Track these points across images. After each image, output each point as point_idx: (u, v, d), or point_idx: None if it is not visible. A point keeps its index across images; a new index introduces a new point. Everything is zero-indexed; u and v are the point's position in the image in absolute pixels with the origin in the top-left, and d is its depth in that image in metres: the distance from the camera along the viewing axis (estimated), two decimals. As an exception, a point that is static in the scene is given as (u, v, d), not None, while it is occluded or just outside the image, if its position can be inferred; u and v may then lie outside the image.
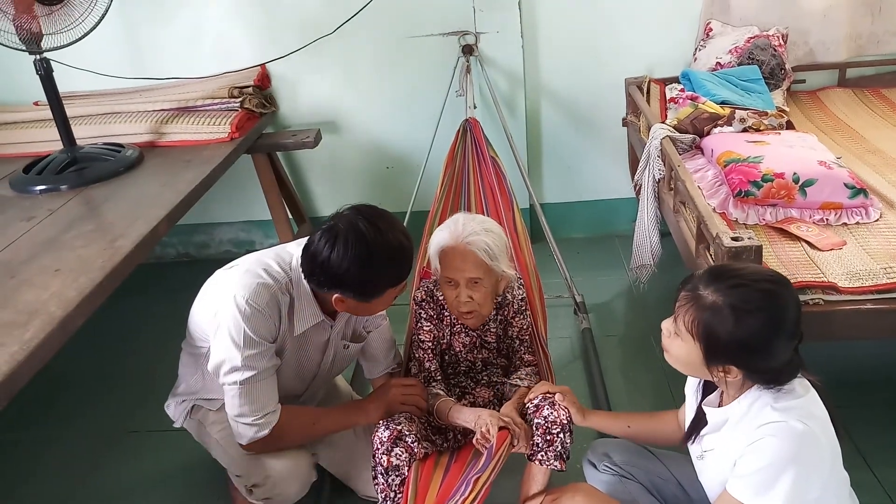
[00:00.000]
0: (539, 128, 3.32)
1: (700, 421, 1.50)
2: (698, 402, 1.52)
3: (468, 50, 3.06)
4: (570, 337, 2.74)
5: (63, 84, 2.61)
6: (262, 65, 3.17)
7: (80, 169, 2.58)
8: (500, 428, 1.66)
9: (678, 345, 1.37)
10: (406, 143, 3.31)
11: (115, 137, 2.88)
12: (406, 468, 1.68)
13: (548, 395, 1.74)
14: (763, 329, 1.27)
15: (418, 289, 2.00)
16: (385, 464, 1.68)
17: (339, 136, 3.34)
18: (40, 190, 2.50)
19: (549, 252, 2.93)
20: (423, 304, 1.96)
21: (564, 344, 2.71)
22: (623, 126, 3.17)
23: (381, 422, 1.76)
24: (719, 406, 1.44)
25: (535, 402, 1.73)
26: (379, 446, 1.70)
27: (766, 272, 1.38)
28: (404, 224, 2.87)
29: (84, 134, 2.88)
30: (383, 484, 1.69)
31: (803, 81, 3.08)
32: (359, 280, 1.59)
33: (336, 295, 1.64)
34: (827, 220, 2.03)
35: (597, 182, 3.42)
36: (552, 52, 3.16)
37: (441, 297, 1.95)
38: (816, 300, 1.70)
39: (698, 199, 1.98)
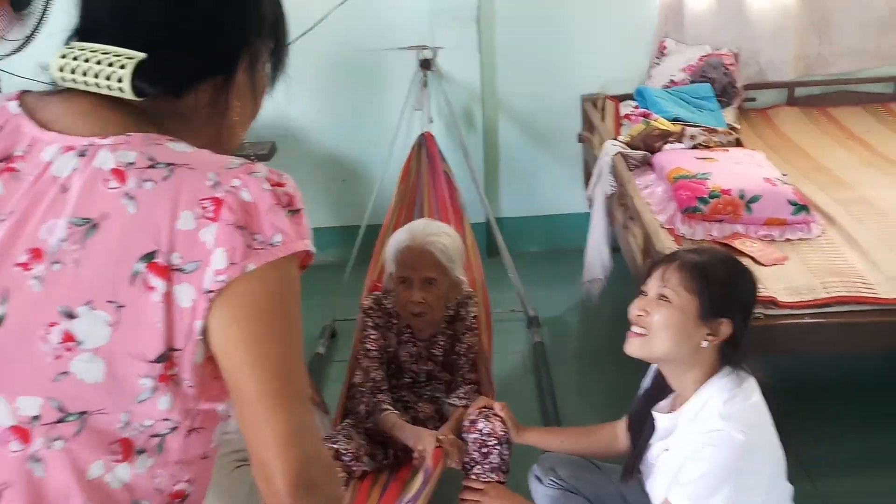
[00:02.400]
0: (496, 143, 3.34)
1: (649, 428, 1.50)
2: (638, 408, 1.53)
3: (426, 65, 3.06)
4: (523, 351, 2.74)
5: None
6: (218, 76, 3.14)
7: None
8: (436, 447, 1.65)
9: (664, 312, 1.34)
10: (363, 156, 3.30)
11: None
12: (343, 488, 1.65)
13: (484, 409, 1.73)
14: (747, 278, 1.38)
15: (366, 297, 1.98)
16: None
17: (294, 149, 3.31)
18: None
19: (505, 266, 2.93)
20: (371, 312, 1.95)
21: (517, 358, 2.70)
22: (579, 142, 3.20)
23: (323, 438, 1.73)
24: (670, 412, 1.45)
25: (472, 416, 1.73)
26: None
27: None
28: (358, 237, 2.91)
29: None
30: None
31: (754, 100, 3.14)
32: None
33: None
34: (771, 235, 2.06)
35: (553, 197, 3.43)
36: (510, 68, 3.18)
37: (390, 306, 1.95)
38: (757, 314, 1.72)
39: (646, 215, 2.00)
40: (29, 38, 2.47)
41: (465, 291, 2.00)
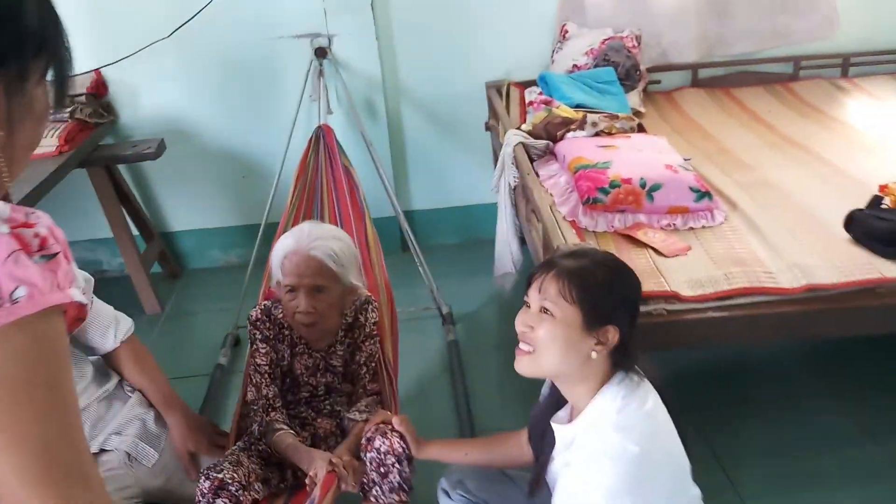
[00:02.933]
0: (402, 133, 3.22)
1: (549, 439, 1.43)
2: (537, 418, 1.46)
3: (321, 53, 2.91)
4: (438, 350, 2.66)
5: None
6: (96, 70, 2.91)
7: None
8: (329, 471, 1.54)
9: (547, 327, 1.25)
10: (260, 151, 3.14)
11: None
12: None
13: (381, 425, 1.63)
14: (629, 278, 1.30)
15: (254, 308, 1.84)
16: (209, 517, 1.52)
17: (188, 146, 3.12)
18: None
19: (417, 262, 2.82)
20: (259, 323, 1.81)
21: (432, 358, 2.62)
22: (486, 130, 3.11)
23: (202, 470, 1.60)
24: (569, 422, 1.37)
25: (368, 434, 1.62)
26: (200, 498, 1.54)
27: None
28: (258, 237, 2.76)
29: None
30: (209, 539, 1.53)
31: (659, 82, 3.12)
32: None
33: None
34: (674, 224, 2.01)
35: (464, 187, 3.34)
36: (410, 54, 3.05)
37: (280, 316, 1.81)
38: (659, 310, 1.67)
39: (544, 210, 1.93)
40: None
41: (364, 296, 1.89)
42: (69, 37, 0.76)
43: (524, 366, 1.30)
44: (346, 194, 2.40)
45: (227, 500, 1.55)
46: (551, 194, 2.20)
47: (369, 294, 1.91)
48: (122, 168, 3.05)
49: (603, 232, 2.02)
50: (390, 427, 1.62)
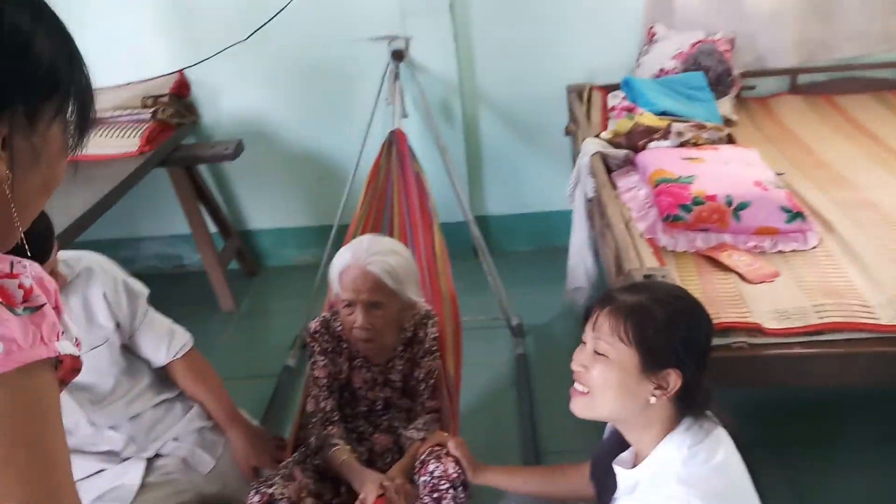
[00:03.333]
0: (478, 137, 3.14)
1: (612, 482, 1.33)
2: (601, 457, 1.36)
3: (398, 55, 2.87)
4: (505, 363, 2.57)
5: None
6: (179, 71, 2.96)
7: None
8: (380, 495, 1.49)
9: (601, 369, 1.17)
10: (336, 153, 3.13)
11: (18, 151, 2.67)
12: None
13: (436, 448, 1.57)
14: (696, 317, 1.17)
15: (313, 320, 1.82)
16: (256, 531, 1.50)
17: (267, 146, 3.14)
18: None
19: (486, 271, 2.75)
20: (318, 336, 1.78)
21: (498, 372, 2.54)
22: (566, 135, 3.00)
23: (253, 483, 1.58)
24: (633, 467, 1.28)
25: (423, 457, 1.56)
26: (249, 512, 1.52)
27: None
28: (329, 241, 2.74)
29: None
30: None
31: (753, 88, 2.92)
32: None
33: None
34: (761, 247, 1.86)
35: (541, 193, 3.24)
36: (489, 57, 2.97)
37: (339, 329, 1.78)
38: (740, 343, 1.54)
39: (617, 227, 1.81)
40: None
41: (424, 311, 1.83)
42: (89, 75, 0.73)
43: (579, 408, 1.22)
44: (415, 201, 2.35)
45: (274, 518, 1.52)
46: (629, 208, 2.09)
47: (430, 308, 1.85)
48: (202, 167, 3.11)
49: (683, 252, 1.89)
50: (445, 451, 1.56)
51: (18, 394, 0.58)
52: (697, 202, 1.90)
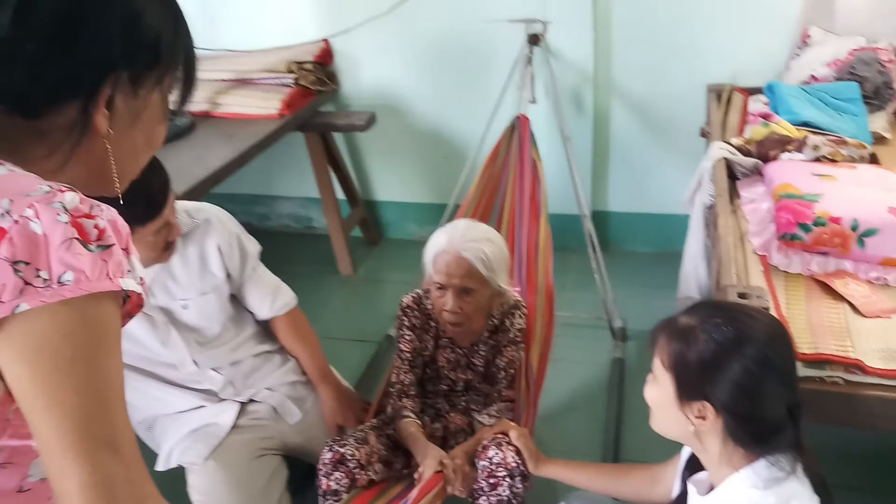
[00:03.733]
0: (608, 129, 3.08)
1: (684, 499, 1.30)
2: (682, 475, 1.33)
3: (534, 40, 2.84)
4: (601, 365, 2.53)
5: None
6: (324, 40, 3.10)
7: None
8: (437, 472, 1.53)
9: (650, 389, 1.18)
10: (463, 133, 3.17)
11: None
12: (345, 494, 1.58)
13: (499, 435, 1.59)
14: (744, 351, 1.06)
15: (406, 295, 1.88)
16: (324, 487, 1.59)
17: (399, 120, 3.24)
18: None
19: (594, 267, 2.70)
20: (409, 311, 1.85)
21: (591, 372, 2.50)
22: (702, 136, 2.87)
23: (328, 441, 1.67)
24: (706, 494, 1.23)
25: (485, 442, 1.59)
26: (321, 468, 1.62)
27: (759, 309, 1.17)
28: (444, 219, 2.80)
29: (146, 98, 2.93)
30: (321, 509, 1.61)
31: (917, 104, 2.66)
32: None
33: None
34: (885, 279, 1.71)
35: (669, 194, 3.11)
36: (628, 48, 2.89)
37: (430, 307, 1.83)
38: (835, 378, 1.44)
39: (724, 240, 1.73)
40: None
41: (513, 301, 1.84)
42: (193, 46, 0.82)
43: (651, 423, 1.22)
44: (527, 189, 2.35)
45: (343, 475, 1.61)
46: (748, 220, 1.99)
47: (519, 299, 1.86)
48: (337, 135, 3.25)
49: (796, 274, 1.78)
50: (508, 439, 1.58)
51: (85, 317, 0.67)
52: (819, 223, 1.77)
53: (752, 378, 1.07)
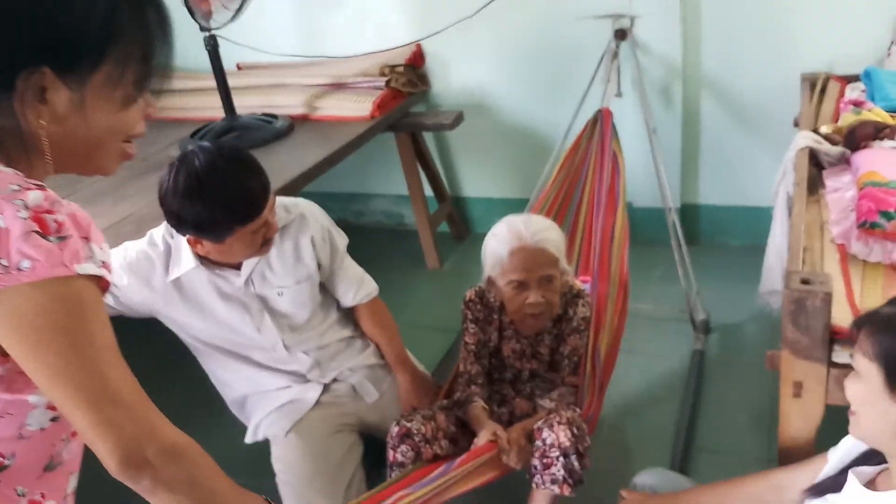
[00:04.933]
0: (698, 122, 3.03)
1: (837, 481, 1.26)
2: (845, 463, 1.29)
3: (620, 34, 2.85)
4: (680, 357, 2.51)
5: (245, 56, 3.07)
6: (416, 43, 3.22)
7: (235, 136, 2.83)
8: (490, 441, 1.60)
9: (854, 387, 1.14)
10: (549, 129, 3.19)
11: (276, 108, 3.10)
12: (410, 466, 1.67)
13: (551, 416, 1.62)
14: None
15: (469, 289, 1.94)
16: (391, 459, 1.69)
17: (487, 119, 3.31)
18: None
19: (678, 259, 2.67)
20: (472, 304, 1.91)
21: (673, 365, 2.48)
22: (795, 127, 2.78)
23: (400, 416, 1.77)
24: (871, 485, 1.20)
25: (539, 423, 1.63)
26: (389, 441, 1.71)
27: None
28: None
29: (251, 102, 3.14)
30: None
31: None
32: (193, 218, 1.56)
33: (187, 236, 1.62)
34: (972, 269, 1.63)
35: (762, 187, 2.99)
36: (717, 40, 2.84)
37: (493, 300, 1.89)
38: None
39: (796, 227, 1.70)
40: (242, 6, 2.76)
41: (576, 290, 1.87)
42: (151, 35, 0.87)
43: (852, 430, 1.18)
44: (606, 180, 2.37)
45: (409, 447, 1.69)
46: (829, 209, 1.93)
47: (582, 288, 1.89)
48: (427, 134, 3.36)
49: (876, 263, 1.72)
50: (559, 419, 1.61)
51: (56, 296, 0.79)
52: (902, 210, 1.70)
53: None
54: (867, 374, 1.09)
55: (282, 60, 3.45)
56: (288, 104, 3.12)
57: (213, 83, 2.87)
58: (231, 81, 2.94)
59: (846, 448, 1.31)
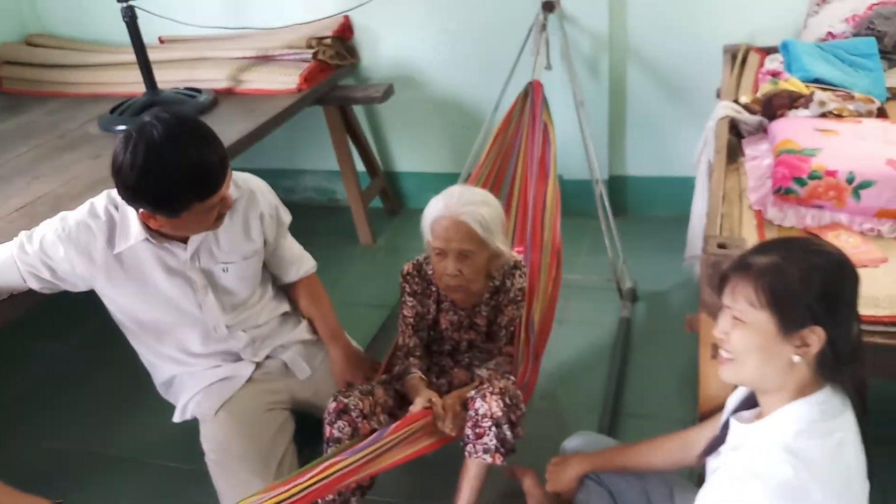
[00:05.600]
0: (624, 94, 3.07)
1: (723, 433, 1.33)
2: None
3: (549, 6, 2.85)
4: (612, 325, 2.56)
5: (167, 29, 2.97)
6: (344, 14, 3.16)
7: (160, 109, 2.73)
8: (424, 408, 1.61)
9: (740, 335, 1.16)
10: (480, 103, 3.20)
11: (200, 82, 3.01)
12: (347, 441, 1.66)
13: (484, 386, 1.64)
14: (833, 268, 1.12)
15: (407, 263, 1.94)
16: (327, 434, 1.68)
17: (417, 92, 3.28)
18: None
19: (604, 230, 2.72)
20: (409, 277, 1.91)
21: (601, 333, 2.54)
22: (718, 97, 2.85)
23: (334, 392, 1.75)
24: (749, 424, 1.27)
25: (472, 393, 1.64)
26: (325, 417, 1.70)
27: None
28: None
29: (173, 77, 3.05)
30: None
31: (941, 58, 2.59)
32: (152, 193, 1.50)
33: (140, 210, 1.56)
34: (878, 230, 1.71)
35: (687, 157, 3.04)
36: (643, 11, 2.89)
37: (430, 273, 1.89)
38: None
39: (715, 194, 1.75)
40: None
41: (513, 261, 1.88)
42: None
43: (727, 374, 1.21)
44: (537, 152, 2.38)
45: (346, 423, 1.69)
46: (748, 177, 1.99)
47: (519, 259, 1.90)
48: (358, 108, 3.31)
49: (790, 228, 1.78)
50: (492, 390, 1.63)
51: None
52: (814, 176, 1.76)
53: (852, 293, 1.13)
54: (757, 321, 1.12)
55: (205, 33, 3.35)
56: (212, 78, 3.04)
57: (132, 57, 2.77)
58: (152, 55, 2.84)
59: (729, 403, 1.39)
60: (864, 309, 1.45)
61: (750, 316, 1.13)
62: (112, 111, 2.82)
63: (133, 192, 1.52)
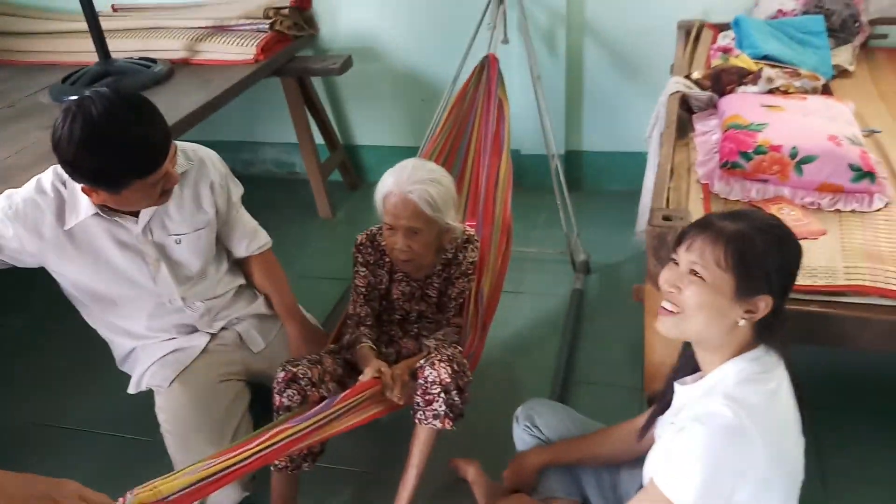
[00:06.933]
0: (581, 69, 3.10)
1: (667, 399, 1.38)
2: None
3: (506, -21, 2.85)
4: (566, 297, 2.61)
5: None
6: (302, -16, 3.12)
7: (110, 82, 2.68)
8: (373, 377, 1.63)
9: (695, 290, 1.19)
10: (440, 76, 3.19)
11: (155, 52, 2.95)
12: (297, 409, 1.68)
13: (432, 354, 1.67)
14: (789, 247, 1.20)
15: (361, 233, 1.95)
16: (277, 404, 1.69)
17: (377, 65, 3.27)
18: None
19: (559, 203, 2.76)
20: (362, 248, 1.92)
21: (555, 305, 2.58)
22: (671, 73, 2.89)
23: (283, 362, 1.77)
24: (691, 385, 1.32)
25: (421, 362, 1.68)
26: (275, 386, 1.71)
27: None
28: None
29: (127, 46, 2.99)
30: (276, 424, 1.71)
31: (885, 37, 2.66)
32: (90, 168, 1.49)
33: (82, 185, 1.55)
34: (819, 204, 1.77)
35: (642, 132, 3.13)
36: (600, -13, 2.90)
37: (383, 243, 1.90)
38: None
39: (662, 168, 1.79)
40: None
41: (466, 235, 1.91)
42: None
43: (667, 327, 1.24)
44: (491, 126, 2.40)
45: (295, 392, 1.71)
46: (697, 151, 2.04)
47: (472, 233, 1.93)
48: (317, 80, 3.29)
49: (736, 201, 1.84)
50: (440, 357, 1.66)
51: None
52: (759, 151, 1.82)
53: (797, 270, 1.21)
54: (717, 281, 1.17)
55: (160, 2, 3.29)
56: (167, 48, 2.98)
57: (85, 25, 2.70)
58: (105, 24, 2.78)
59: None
60: (803, 279, 1.51)
61: (713, 275, 1.17)
62: (64, 80, 2.76)
63: (71, 166, 1.50)
